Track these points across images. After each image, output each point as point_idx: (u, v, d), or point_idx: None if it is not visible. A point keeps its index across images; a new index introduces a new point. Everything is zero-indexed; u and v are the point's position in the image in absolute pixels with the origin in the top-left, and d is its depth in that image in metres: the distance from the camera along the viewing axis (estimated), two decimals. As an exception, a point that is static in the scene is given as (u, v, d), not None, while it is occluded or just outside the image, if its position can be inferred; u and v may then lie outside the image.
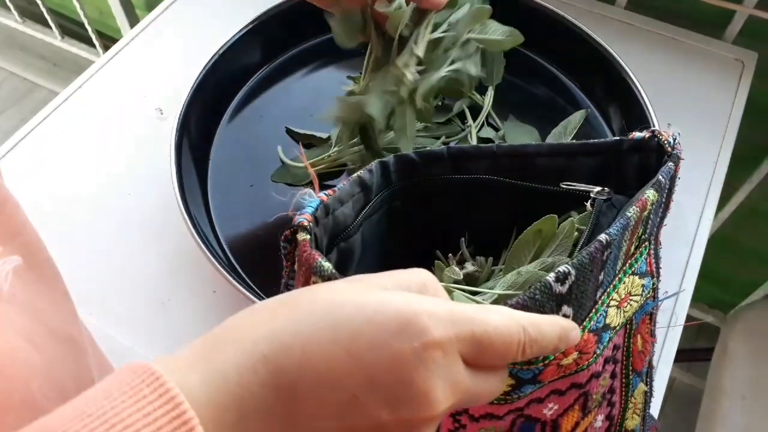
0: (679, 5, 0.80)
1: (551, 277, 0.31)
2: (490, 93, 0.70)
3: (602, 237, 0.33)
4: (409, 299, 0.25)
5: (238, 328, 0.25)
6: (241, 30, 0.69)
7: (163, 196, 0.62)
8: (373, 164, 0.39)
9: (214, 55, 0.66)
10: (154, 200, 0.64)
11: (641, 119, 0.65)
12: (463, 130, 0.68)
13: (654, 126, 0.63)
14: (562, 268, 0.31)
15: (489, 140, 0.67)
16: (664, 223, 0.40)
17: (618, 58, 0.68)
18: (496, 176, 0.41)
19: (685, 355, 1.19)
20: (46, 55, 1.70)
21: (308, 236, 0.32)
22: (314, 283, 0.32)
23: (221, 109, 0.70)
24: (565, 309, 0.32)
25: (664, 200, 0.38)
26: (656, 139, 0.38)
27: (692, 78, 0.76)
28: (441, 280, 0.42)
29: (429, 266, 0.44)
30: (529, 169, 0.41)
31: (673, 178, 0.38)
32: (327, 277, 0.31)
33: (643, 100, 0.65)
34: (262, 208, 0.63)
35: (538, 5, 0.73)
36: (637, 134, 0.39)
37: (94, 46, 1.47)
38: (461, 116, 0.69)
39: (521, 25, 0.74)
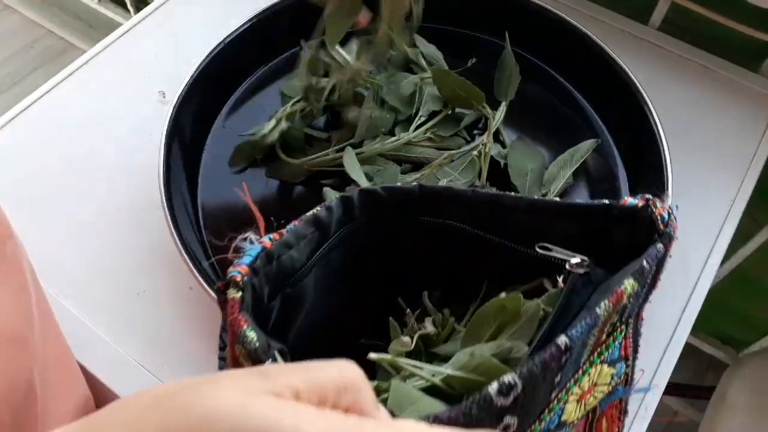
0: (716, 32, 0.75)
1: (493, 389, 0.27)
2: (503, 108, 0.67)
3: (561, 341, 0.29)
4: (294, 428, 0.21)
5: (111, 423, 0.22)
6: (245, 23, 0.67)
7: (151, 184, 0.61)
8: (334, 200, 0.36)
9: (218, 44, 0.65)
10: (143, 187, 0.63)
11: (653, 152, 0.61)
12: (468, 142, 0.65)
13: (665, 162, 0.60)
14: (507, 379, 0.27)
15: (492, 158, 0.64)
16: (649, 300, 0.36)
17: (638, 85, 0.64)
18: (470, 225, 0.38)
19: (689, 391, 1.15)
20: (82, 15, 1.70)
21: (239, 294, 0.30)
22: (239, 352, 0.30)
23: (222, 100, 0.68)
24: (508, 419, 0.29)
25: (648, 282, 0.34)
26: (649, 210, 0.34)
27: (719, 110, 0.72)
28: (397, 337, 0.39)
29: (392, 313, 0.42)
30: (505, 223, 0.38)
31: (661, 260, 0.33)
32: (249, 351, 0.29)
33: (658, 133, 0.62)
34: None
35: (565, 21, 0.69)
36: (629, 200, 0.35)
37: (128, 10, 1.47)
38: (470, 127, 0.67)
39: (546, 40, 0.71)
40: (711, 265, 0.61)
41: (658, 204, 0.34)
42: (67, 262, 0.60)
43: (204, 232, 0.60)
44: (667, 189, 0.59)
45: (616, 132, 0.68)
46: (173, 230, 0.55)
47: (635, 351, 0.37)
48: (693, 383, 1.24)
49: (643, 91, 0.64)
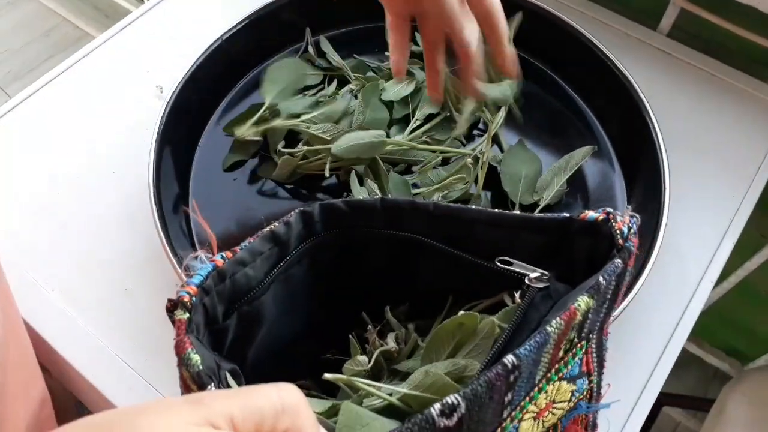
0: (727, 40, 0.74)
1: (435, 409, 0.26)
2: (502, 112, 0.66)
3: (508, 360, 0.28)
4: None
5: None
6: (241, 21, 0.66)
7: (142, 180, 0.61)
8: (292, 215, 0.35)
9: (214, 42, 0.64)
10: (133, 183, 0.63)
11: (652, 162, 0.60)
12: (464, 145, 0.65)
13: (663, 172, 0.59)
14: (450, 399, 0.26)
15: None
16: (611, 316, 0.35)
17: (640, 93, 0.63)
18: (432, 238, 0.37)
19: (692, 402, 1.14)
20: (98, 5, 1.71)
21: (186, 316, 0.30)
22: (183, 376, 0.29)
23: (218, 97, 0.68)
24: None
25: (609, 297, 0.33)
26: (609, 224, 0.33)
27: (725, 120, 0.70)
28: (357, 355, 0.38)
29: (357, 326, 0.42)
30: (467, 236, 0.37)
31: (621, 275, 0.32)
32: (192, 375, 0.28)
33: (658, 143, 0.60)
34: (242, 203, 0.62)
35: (567, 24, 0.68)
36: (590, 214, 0.34)
37: (143, 1, 1.47)
38: (470, 128, 0.66)
39: (547, 43, 0.70)
40: (708, 278, 0.60)
41: (619, 218, 0.33)
42: (55, 256, 0.60)
43: (193, 229, 0.60)
44: (664, 200, 0.57)
45: (615, 139, 0.67)
46: (160, 227, 0.54)
47: (600, 366, 0.37)
48: (697, 394, 1.22)
49: (644, 99, 0.63)
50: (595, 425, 0.38)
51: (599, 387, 0.37)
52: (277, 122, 0.60)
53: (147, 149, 0.58)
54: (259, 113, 0.61)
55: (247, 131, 0.60)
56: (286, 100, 0.62)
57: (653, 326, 0.58)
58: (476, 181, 0.61)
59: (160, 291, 0.58)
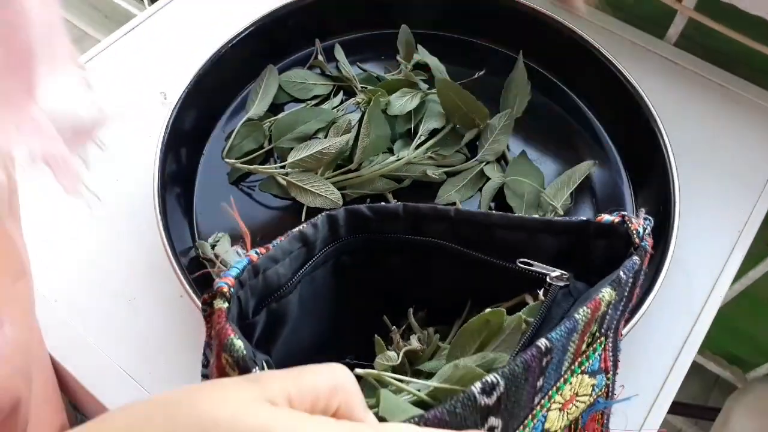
0: (734, 49, 0.73)
1: (476, 387, 0.28)
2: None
3: (541, 343, 0.30)
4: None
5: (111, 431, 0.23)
6: (249, 25, 0.66)
7: (147, 188, 0.60)
8: (320, 218, 0.36)
9: (220, 48, 0.64)
10: (138, 191, 0.62)
11: (661, 174, 0.60)
12: (468, 159, 0.64)
13: (672, 185, 0.58)
14: (489, 378, 0.28)
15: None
16: (626, 315, 0.37)
17: (649, 105, 0.62)
18: (453, 242, 0.38)
19: (693, 411, 1.14)
20: (98, 5, 1.70)
21: (225, 305, 0.30)
22: (225, 360, 0.30)
23: (223, 104, 0.67)
24: (492, 421, 0.29)
25: (626, 294, 0.34)
26: (625, 226, 0.35)
27: (733, 130, 0.70)
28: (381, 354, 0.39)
29: (377, 331, 0.42)
30: (487, 240, 0.38)
31: (638, 273, 0.34)
32: (236, 360, 0.29)
33: (667, 154, 0.60)
34: (248, 214, 0.61)
35: (574, 33, 0.67)
36: (605, 217, 0.36)
37: (143, 2, 1.46)
38: (474, 139, 0.65)
39: (554, 51, 0.69)
40: (719, 290, 0.60)
41: (634, 220, 0.35)
42: (58, 265, 0.59)
43: (197, 237, 0.59)
44: (674, 213, 0.57)
45: (623, 150, 0.66)
46: (165, 238, 0.54)
47: (615, 365, 0.38)
48: (698, 401, 1.22)
49: (652, 108, 0.62)
50: (607, 426, 0.39)
51: (614, 386, 0.38)
52: (266, 167, 0.61)
53: (151, 157, 0.58)
54: (257, 153, 0.62)
55: (241, 166, 0.61)
56: (287, 144, 0.61)
57: (663, 340, 0.58)
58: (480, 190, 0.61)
59: (165, 301, 0.58)
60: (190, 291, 0.51)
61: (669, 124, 0.62)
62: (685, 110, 0.71)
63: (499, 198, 0.61)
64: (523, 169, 0.61)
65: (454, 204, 0.60)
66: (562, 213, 0.59)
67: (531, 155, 0.64)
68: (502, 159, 0.64)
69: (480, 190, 0.62)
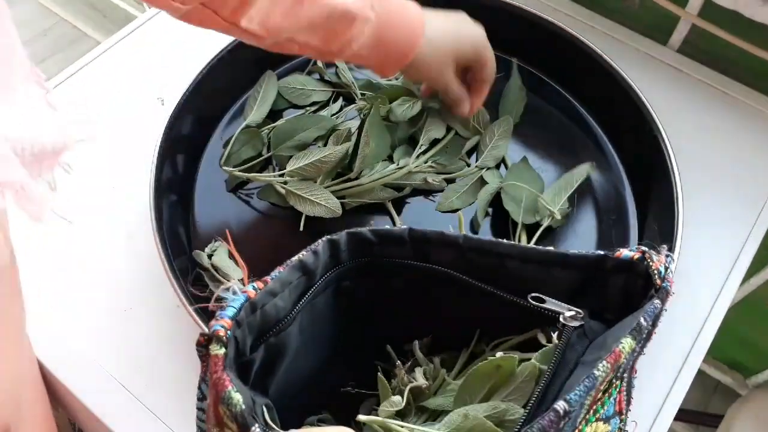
0: (737, 56, 0.72)
1: None
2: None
3: (560, 406, 0.28)
4: None
5: None
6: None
7: (143, 197, 0.59)
8: (320, 243, 0.34)
9: (218, 54, 0.63)
10: (134, 200, 0.62)
11: (664, 183, 0.59)
12: (468, 165, 0.63)
13: (676, 193, 0.57)
14: None
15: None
16: (644, 353, 0.35)
17: (652, 112, 0.62)
18: (461, 272, 0.36)
19: (694, 417, 1.13)
20: (96, 5, 1.69)
21: (222, 351, 0.29)
22: (222, 413, 0.28)
23: (221, 111, 0.66)
24: None
25: (644, 337, 0.32)
26: (646, 263, 0.32)
27: (736, 138, 0.69)
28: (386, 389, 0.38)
29: (379, 355, 0.41)
30: (497, 271, 0.36)
31: (657, 316, 0.32)
32: (234, 415, 0.27)
33: (671, 162, 0.59)
34: (245, 222, 0.60)
35: (575, 39, 0.67)
36: (624, 252, 0.34)
37: (141, 4, 1.45)
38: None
39: (555, 57, 0.69)
40: (722, 303, 0.59)
41: (654, 257, 0.33)
42: (53, 275, 0.58)
43: (195, 246, 0.58)
44: (677, 221, 0.56)
45: (625, 156, 0.65)
46: (160, 246, 0.53)
47: (628, 403, 0.37)
48: (699, 407, 1.21)
49: (654, 115, 0.62)
50: None
51: (626, 425, 0.37)
52: (265, 176, 0.60)
53: (148, 165, 0.57)
54: (256, 161, 0.61)
55: (240, 174, 0.60)
56: (287, 152, 0.60)
57: (668, 351, 0.57)
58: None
59: (160, 312, 0.57)
60: (186, 301, 0.51)
61: (672, 131, 0.61)
62: (686, 116, 0.70)
63: (498, 204, 0.60)
64: (522, 174, 0.60)
65: (456, 211, 0.59)
66: (559, 217, 0.59)
67: (533, 162, 0.63)
68: (503, 165, 0.63)
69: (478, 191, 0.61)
